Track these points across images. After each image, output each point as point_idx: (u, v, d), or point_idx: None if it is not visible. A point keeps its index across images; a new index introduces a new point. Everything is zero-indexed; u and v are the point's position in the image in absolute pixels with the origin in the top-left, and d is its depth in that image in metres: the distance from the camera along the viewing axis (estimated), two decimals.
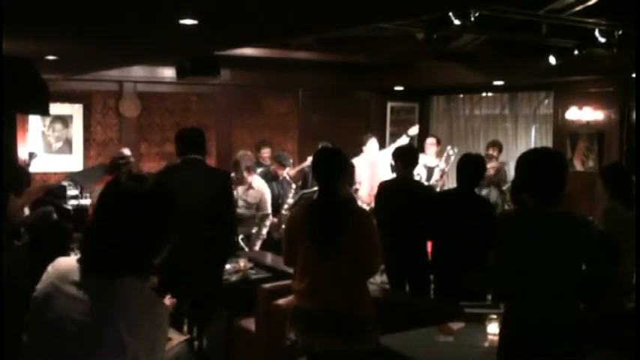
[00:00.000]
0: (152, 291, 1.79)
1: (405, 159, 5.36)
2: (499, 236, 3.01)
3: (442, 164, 8.16)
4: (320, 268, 3.46)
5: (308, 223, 3.50)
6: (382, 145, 9.74)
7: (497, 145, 8.66)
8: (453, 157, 8.19)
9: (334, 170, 3.56)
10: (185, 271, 4.49)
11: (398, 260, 4.95)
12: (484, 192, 7.84)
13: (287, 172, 7.37)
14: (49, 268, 1.81)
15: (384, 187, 5.51)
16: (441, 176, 8.08)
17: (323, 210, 3.49)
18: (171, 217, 1.81)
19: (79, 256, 1.78)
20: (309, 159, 7.85)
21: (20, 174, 5.69)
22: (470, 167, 4.74)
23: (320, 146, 7.62)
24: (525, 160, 2.98)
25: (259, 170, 7.76)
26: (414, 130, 8.51)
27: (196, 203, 4.40)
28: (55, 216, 5.93)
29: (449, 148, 8.31)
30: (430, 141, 8.59)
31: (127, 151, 6.57)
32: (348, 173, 3.84)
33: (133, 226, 1.73)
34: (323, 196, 3.57)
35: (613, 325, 3.46)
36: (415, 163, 5.42)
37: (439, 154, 8.37)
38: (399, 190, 5.29)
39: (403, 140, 8.24)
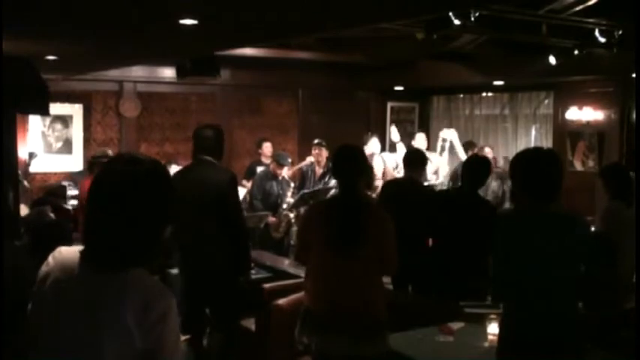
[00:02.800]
0: (159, 282, 1.77)
1: (411, 162, 5.39)
2: (498, 236, 3.02)
3: (439, 157, 8.19)
4: (337, 269, 3.37)
5: (327, 221, 3.40)
6: (382, 145, 9.75)
7: (474, 145, 8.45)
8: (447, 143, 8.19)
9: (355, 169, 3.49)
10: (196, 274, 4.51)
11: (400, 260, 4.94)
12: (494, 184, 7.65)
13: (286, 172, 7.38)
14: (50, 260, 1.77)
15: (387, 188, 5.52)
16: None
17: (343, 209, 3.40)
18: (169, 197, 1.76)
19: (81, 247, 1.74)
20: (308, 159, 7.90)
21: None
22: (474, 168, 4.75)
23: (315, 142, 7.70)
24: (518, 161, 2.99)
25: (260, 169, 7.78)
26: (395, 135, 8.47)
27: (196, 205, 4.40)
28: (52, 215, 5.94)
29: (441, 134, 8.26)
30: (419, 136, 8.55)
31: (109, 152, 6.73)
32: (367, 173, 3.79)
33: (134, 210, 1.69)
34: (343, 195, 3.49)
35: (613, 325, 3.46)
36: (420, 164, 5.43)
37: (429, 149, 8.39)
38: (402, 190, 5.30)
39: (401, 147, 8.23)
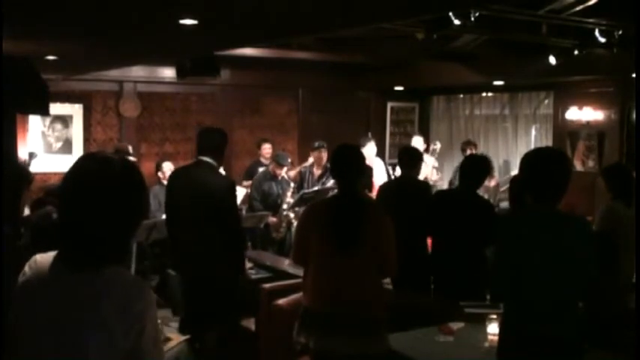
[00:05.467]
0: (136, 276, 1.76)
1: (404, 160, 5.38)
2: (499, 236, 3.02)
3: (430, 160, 8.21)
4: (337, 268, 3.38)
5: (326, 221, 3.41)
6: (382, 145, 9.75)
7: (472, 144, 8.61)
8: (437, 152, 8.42)
9: (354, 168, 3.49)
10: (194, 276, 4.51)
11: (399, 260, 4.94)
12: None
13: (285, 172, 7.38)
14: (27, 269, 1.76)
15: (385, 189, 5.52)
16: (433, 173, 8.12)
17: (343, 208, 3.41)
18: (141, 195, 1.77)
19: (55, 252, 1.74)
20: (310, 160, 7.89)
21: (21, 171, 5.68)
22: (472, 168, 4.75)
23: (316, 145, 7.68)
24: (527, 160, 2.98)
25: (260, 170, 7.79)
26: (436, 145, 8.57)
27: (194, 209, 4.41)
28: (55, 216, 5.93)
29: (432, 144, 8.41)
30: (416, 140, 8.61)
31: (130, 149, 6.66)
32: (366, 173, 3.79)
33: (106, 209, 1.68)
34: (342, 194, 3.49)
35: (613, 325, 3.46)
36: (414, 163, 5.42)
37: (426, 151, 8.41)
38: (400, 190, 5.30)
39: (429, 160, 8.21)
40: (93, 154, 1.83)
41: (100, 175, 1.70)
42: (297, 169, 8.08)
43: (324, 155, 7.61)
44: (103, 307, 1.63)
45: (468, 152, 8.33)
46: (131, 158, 6.46)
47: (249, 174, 8.07)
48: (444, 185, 8.69)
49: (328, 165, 7.45)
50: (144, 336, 1.67)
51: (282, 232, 7.19)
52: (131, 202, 1.74)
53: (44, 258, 1.76)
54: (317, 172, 7.68)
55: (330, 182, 7.30)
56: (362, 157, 3.60)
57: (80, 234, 1.69)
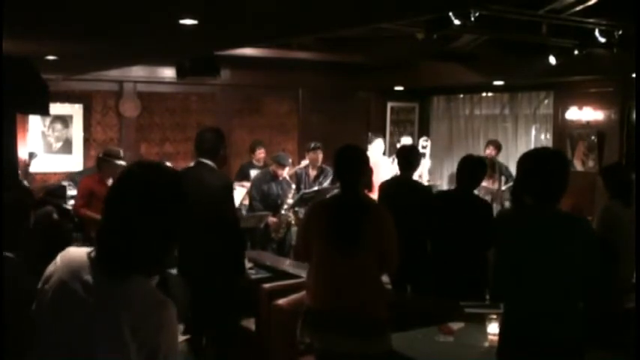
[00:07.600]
0: (159, 291, 1.75)
1: (404, 160, 5.38)
2: (498, 236, 3.02)
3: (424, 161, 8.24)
4: (339, 267, 3.38)
5: (327, 221, 3.42)
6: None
7: (494, 144, 8.64)
8: (427, 149, 8.41)
9: (357, 169, 3.50)
10: (190, 277, 4.51)
11: (399, 260, 4.94)
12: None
13: (287, 173, 7.37)
14: (58, 260, 1.75)
15: (384, 188, 5.52)
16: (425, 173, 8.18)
17: (344, 209, 3.42)
18: (185, 208, 1.74)
19: (89, 249, 1.73)
20: (303, 162, 7.88)
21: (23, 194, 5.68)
22: (470, 169, 4.75)
23: (311, 146, 7.67)
24: (525, 160, 2.98)
25: (257, 171, 7.78)
26: (425, 141, 8.59)
27: (195, 210, 4.36)
28: (55, 216, 5.93)
29: (422, 139, 8.42)
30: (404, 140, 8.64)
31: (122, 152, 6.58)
32: (368, 173, 3.79)
33: (151, 219, 1.67)
34: (344, 194, 3.50)
35: (613, 325, 3.46)
36: (414, 163, 5.42)
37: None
38: (399, 190, 5.30)
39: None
40: (142, 162, 1.81)
41: (148, 185, 1.69)
42: (291, 172, 8.07)
43: (320, 156, 7.60)
44: (120, 317, 1.62)
45: (487, 152, 8.33)
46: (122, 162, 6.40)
47: (241, 175, 8.08)
48: (444, 186, 8.69)
49: (324, 166, 7.47)
50: (162, 349, 1.65)
51: (281, 232, 7.19)
52: (174, 215, 1.71)
53: (77, 252, 1.75)
54: (313, 173, 7.67)
55: (327, 182, 7.31)
56: (365, 158, 3.60)
57: (119, 240, 1.68)
